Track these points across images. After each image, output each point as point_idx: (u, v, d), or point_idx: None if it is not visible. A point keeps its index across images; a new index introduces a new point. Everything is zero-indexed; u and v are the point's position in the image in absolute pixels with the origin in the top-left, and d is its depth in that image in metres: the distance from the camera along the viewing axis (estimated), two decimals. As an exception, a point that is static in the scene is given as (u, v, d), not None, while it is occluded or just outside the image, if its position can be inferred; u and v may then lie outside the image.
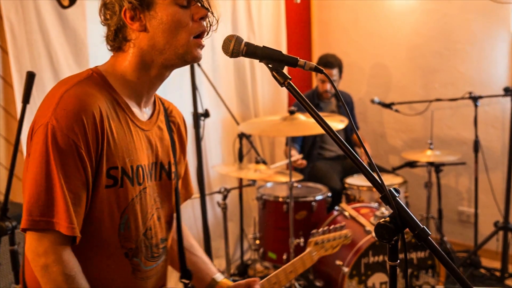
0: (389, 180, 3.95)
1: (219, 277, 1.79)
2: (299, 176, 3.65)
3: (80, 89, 1.37)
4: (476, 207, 4.19)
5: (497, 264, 4.07)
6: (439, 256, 1.21)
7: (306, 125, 3.28)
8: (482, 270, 4.06)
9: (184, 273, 1.73)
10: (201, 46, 1.46)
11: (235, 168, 3.71)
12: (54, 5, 3.26)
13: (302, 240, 3.51)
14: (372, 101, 4.37)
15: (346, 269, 3.15)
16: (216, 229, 4.16)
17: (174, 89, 3.77)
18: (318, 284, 3.51)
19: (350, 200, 3.92)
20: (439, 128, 4.52)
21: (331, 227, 2.12)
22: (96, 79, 1.44)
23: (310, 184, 3.96)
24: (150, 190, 1.54)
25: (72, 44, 3.38)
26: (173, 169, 1.64)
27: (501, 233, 3.93)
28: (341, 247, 3.31)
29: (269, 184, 3.99)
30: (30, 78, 1.95)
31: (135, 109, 1.51)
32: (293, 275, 1.92)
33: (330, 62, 4.26)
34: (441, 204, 4.29)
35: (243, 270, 4.08)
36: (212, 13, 1.47)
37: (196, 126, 3.06)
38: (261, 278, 1.80)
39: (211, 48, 4.05)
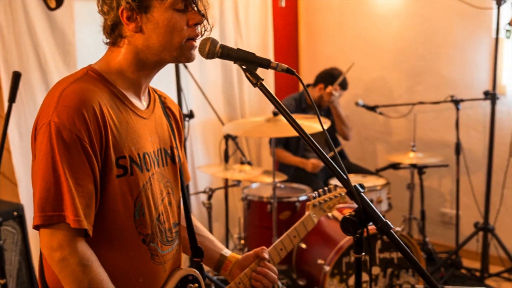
0: (372, 182, 4.02)
1: (227, 252, 1.84)
2: (283, 177, 3.72)
3: (78, 85, 1.42)
4: (457, 209, 4.27)
5: (477, 265, 4.15)
6: (400, 249, 1.28)
7: (289, 126, 3.34)
8: (463, 271, 4.14)
9: (195, 252, 1.77)
10: (194, 48, 1.51)
11: (221, 169, 3.77)
12: (42, 7, 3.31)
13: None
14: (357, 104, 4.45)
15: (327, 268, 3.21)
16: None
17: (160, 89, 3.83)
18: (301, 283, 3.57)
19: (333, 200, 3.98)
20: (422, 130, 4.59)
21: (326, 188, 2.19)
22: (92, 75, 1.48)
23: (294, 185, 4.02)
24: (158, 176, 1.58)
25: (60, 45, 3.44)
26: (175, 153, 1.68)
27: (481, 234, 4.00)
28: (323, 247, 3.40)
29: (254, 185, 4.05)
30: (16, 77, 2.01)
31: (133, 100, 1.55)
32: (298, 240, 2.00)
33: (345, 84, 4.41)
34: (424, 206, 4.37)
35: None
36: (207, 20, 1.52)
37: (181, 126, 3.12)
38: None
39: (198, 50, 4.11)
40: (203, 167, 4.02)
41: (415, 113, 4.41)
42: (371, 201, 3.83)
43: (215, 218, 4.22)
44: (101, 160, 1.41)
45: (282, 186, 3.92)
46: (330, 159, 1.35)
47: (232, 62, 1.48)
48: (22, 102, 3.26)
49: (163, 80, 3.82)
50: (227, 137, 3.91)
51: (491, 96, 3.80)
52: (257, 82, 1.42)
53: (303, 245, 3.53)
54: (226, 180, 3.99)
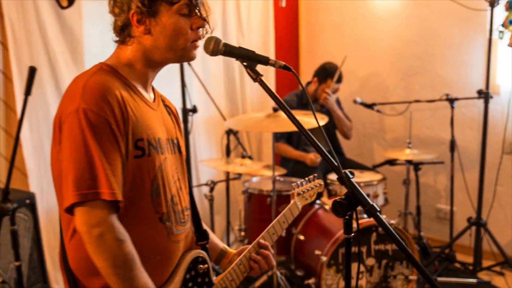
0: (369, 177, 4.14)
1: (228, 248, 1.99)
2: (283, 171, 3.84)
3: (98, 77, 1.55)
4: (452, 205, 4.40)
5: (470, 259, 4.28)
6: (386, 231, 1.41)
7: (288, 122, 3.47)
8: (457, 264, 4.27)
9: (200, 236, 1.87)
10: (196, 48, 1.65)
11: (222, 163, 3.91)
12: (52, 5, 3.44)
13: (284, 231, 3.70)
14: (355, 101, 4.58)
15: (324, 258, 3.34)
16: (203, 221, 4.34)
17: (164, 85, 3.94)
18: (299, 273, 3.70)
19: (331, 194, 4.12)
20: (418, 128, 4.72)
21: (306, 179, 2.34)
22: (106, 69, 1.61)
23: (293, 179, 4.15)
24: (170, 161, 1.70)
25: (68, 42, 3.56)
26: (180, 143, 1.81)
27: (474, 228, 4.12)
28: (320, 239, 3.52)
29: (254, 179, 4.18)
30: (32, 72, 2.13)
31: (143, 92, 1.68)
32: (286, 225, 2.14)
33: (341, 77, 4.49)
34: (420, 201, 4.50)
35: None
36: (209, 24, 1.66)
37: (185, 120, 3.26)
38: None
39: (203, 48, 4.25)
40: (206, 160, 4.15)
41: (411, 111, 4.54)
42: (368, 195, 3.99)
43: (216, 211, 4.35)
44: (124, 142, 1.53)
45: (281, 180, 4.04)
46: (325, 150, 1.47)
47: (234, 60, 1.61)
48: (33, 96, 3.34)
49: (168, 77, 3.95)
50: (228, 132, 4.05)
51: (484, 95, 3.91)
52: (257, 77, 1.55)
53: (301, 237, 3.67)
54: (228, 174, 4.12)
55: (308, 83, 4.64)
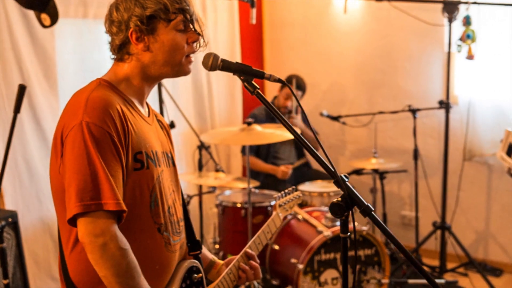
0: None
1: (216, 259, 2.05)
2: (256, 183, 3.94)
3: (100, 92, 1.60)
4: (416, 211, 4.58)
5: (436, 263, 4.45)
6: (381, 228, 1.51)
7: (262, 134, 3.60)
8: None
9: (193, 246, 1.92)
10: (191, 63, 1.74)
11: (195, 177, 3.98)
12: (25, 24, 3.46)
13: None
14: (321, 114, 4.72)
15: (300, 266, 3.44)
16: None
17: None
18: (274, 282, 3.79)
19: (302, 205, 4.22)
20: (382, 138, 4.90)
21: (286, 190, 2.47)
22: (105, 85, 1.66)
23: (265, 191, 4.25)
24: (165, 174, 1.76)
25: (41, 61, 3.59)
26: (173, 157, 1.87)
27: (439, 232, 4.30)
28: (295, 248, 3.62)
29: (227, 192, 4.26)
30: (21, 90, 2.16)
31: (139, 107, 1.74)
32: (270, 235, 2.24)
33: (300, 85, 4.61)
34: (385, 209, 4.66)
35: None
36: (203, 38, 1.76)
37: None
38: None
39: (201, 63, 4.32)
40: (180, 175, 4.20)
41: (376, 122, 4.71)
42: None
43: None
44: (125, 154, 1.58)
45: (256, 191, 4.13)
46: (319, 156, 1.57)
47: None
48: (6, 116, 3.39)
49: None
50: (200, 147, 4.12)
51: (445, 105, 4.11)
52: (254, 90, 1.64)
53: (276, 247, 3.76)
54: (200, 187, 4.19)
55: (275, 97, 4.76)
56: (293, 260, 3.52)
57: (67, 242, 1.63)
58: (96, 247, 1.48)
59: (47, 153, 3.55)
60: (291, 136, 3.64)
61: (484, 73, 4.31)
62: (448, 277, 4.29)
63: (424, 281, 4.08)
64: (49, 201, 3.63)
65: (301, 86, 4.66)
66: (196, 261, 1.89)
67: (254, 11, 3.57)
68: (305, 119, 4.66)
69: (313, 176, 4.64)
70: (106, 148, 1.52)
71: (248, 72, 1.66)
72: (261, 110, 4.64)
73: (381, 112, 4.61)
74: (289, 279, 3.57)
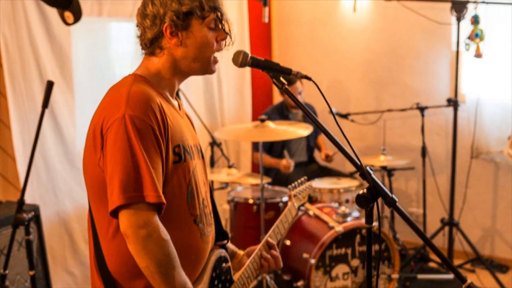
0: (347, 183, 4.34)
1: (237, 249, 2.10)
2: (268, 179, 4.00)
3: (139, 86, 1.64)
4: (424, 208, 4.64)
5: (443, 258, 4.51)
6: (405, 218, 1.58)
7: (275, 131, 3.66)
8: (431, 264, 4.50)
9: (221, 236, 1.96)
10: (217, 63, 1.80)
11: (207, 172, 4.04)
12: (42, 22, 3.52)
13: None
14: (330, 112, 4.77)
15: (313, 261, 3.50)
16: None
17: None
18: (286, 277, 3.85)
19: (312, 201, 4.28)
20: (389, 136, 4.96)
21: (299, 181, 2.53)
22: (140, 80, 1.70)
23: (277, 187, 4.31)
24: (199, 166, 1.81)
25: (58, 58, 3.65)
26: (202, 150, 1.92)
27: (447, 229, 4.36)
28: (307, 243, 3.67)
29: (239, 188, 4.32)
30: (50, 86, 2.22)
31: (172, 100, 1.79)
32: (287, 224, 2.30)
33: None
34: (393, 205, 4.71)
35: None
36: (231, 37, 1.82)
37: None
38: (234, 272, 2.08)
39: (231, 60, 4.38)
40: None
41: (384, 120, 4.77)
42: (347, 201, 4.20)
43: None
44: (165, 148, 1.62)
45: (269, 187, 4.19)
46: (346, 150, 1.63)
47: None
48: (25, 111, 3.45)
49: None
50: (212, 144, 4.19)
51: (453, 103, 4.16)
52: (282, 86, 1.70)
53: (288, 242, 3.81)
54: (212, 183, 4.25)
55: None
56: (305, 255, 3.57)
57: (106, 234, 1.66)
58: (139, 238, 1.51)
59: (64, 148, 3.63)
60: (303, 133, 3.72)
61: (491, 72, 4.37)
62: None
63: (433, 276, 4.17)
64: (65, 196, 3.70)
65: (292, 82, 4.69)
66: (224, 251, 1.94)
67: (266, 10, 3.64)
68: (308, 120, 4.72)
69: (324, 172, 4.71)
70: (148, 141, 1.55)
71: (276, 69, 1.72)
72: (273, 110, 4.73)
73: (389, 110, 4.67)
74: (301, 274, 3.62)
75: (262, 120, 3.67)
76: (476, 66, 4.41)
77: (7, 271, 2.46)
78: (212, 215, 1.89)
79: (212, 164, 4.17)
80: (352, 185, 4.29)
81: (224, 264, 1.91)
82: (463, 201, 4.57)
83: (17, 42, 3.37)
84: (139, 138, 1.54)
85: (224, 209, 4.54)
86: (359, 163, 1.61)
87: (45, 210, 3.50)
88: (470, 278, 4.20)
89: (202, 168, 1.88)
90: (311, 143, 4.90)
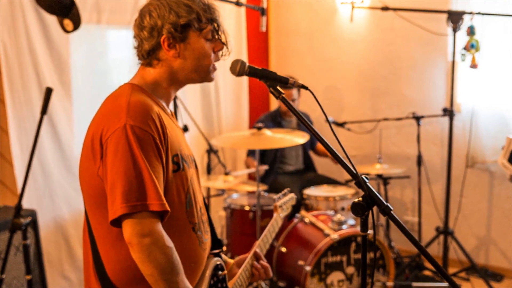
0: (343, 191, 4.37)
1: (227, 258, 2.12)
2: (264, 187, 4.03)
3: (138, 96, 1.66)
4: (419, 216, 4.67)
5: (438, 267, 4.53)
6: (399, 226, 1.60)
7: (272, 139, 3.69)
8: (426, 272, 4.52)
9: (215, 244, 1.97)
10: (215, 71, 1.83)
11: (203, 179, 4.07)
12: (41, 29, 3.54)
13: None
14: (326, 121, 4.81)
15: (308, 268, 3.52)
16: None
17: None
18: (281, 284, 3.86)
19: (308, 209, 4.31)
20: (385, 145, 5.00)
21: (281, 194, 2.69)
22: (138, 89, 1.72)
23: (273, 195, 4.33)
24: (194, 175, 1.83)
25: (56, 65, 3.67)
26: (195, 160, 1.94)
27: (442, 237, 4.39)
28: (302, 250, 3.69)
29: (235, 195, 4.34)
30: (49, 92, 2.24)
31: (167, 109, 1.81)
32: (274, 234, 2.41)
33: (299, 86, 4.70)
34: (389, 214, 4.74)
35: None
36: (227, 48, 1.85)
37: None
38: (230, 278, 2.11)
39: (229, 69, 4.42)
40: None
41: (380, 129, 4.81)
42: (343, 209, 4.22)
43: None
44: (165, 157, 1.63)
45: (265, 195, 4.21)
46: (342, 158, 1.66)
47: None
48: (23, 117, 3.47)
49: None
50: (209, 151, 4.21)
51: (449, 112, 4.20)
52: (279, 95, 1.73)
53: (283, 249, 3.84)
54: (208, 190, 4.28)
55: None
56: (300, 262, 3.59)
57: (105, 241, 1.67)
58: (144, 247, 1.53)
59: (61, 154, 3.65)
60: (299, 141, 3.75)
61: (486, 82, 4.42)
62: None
63: (427, 284, 4.19)
64: (62, 201, 3.71)
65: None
66: (220, 259, 1.97)
67: (264, 19, 3.65)
68: (303, 128, 4.76)
69: (320, 180, 4.74)
70: (149, 150, 1.57)
71: (273, 78, 1.75)
72: (267, 117, 4.75)
73: (385, 119, 4.70)
74: (296, 280, 3.64)
75: (259, 128, 3.70)
76: (472, 76, 4.46)
77: (4, 275, 2.48)
78: (208, 223, 1.91)
79: (209, 171, 4.19)
80: (348, 193, 4.32)
81: (220, 272, 1.93)
82: (458, 210, 4.60)
83: (16, 49, 3.39)
84: (140, 147, 1.55)
85: (221, 216, 4.56)
86: (354, 171, 1.63)
87: (42, 215, 3.51)
88: (465, 287, 4.26)
89: (196, 178, 1.90)
90: (307, 151, 4.93)
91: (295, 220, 3.95)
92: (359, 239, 3.66)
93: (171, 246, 1.58)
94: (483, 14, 3.98)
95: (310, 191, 4.39)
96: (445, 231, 4.28)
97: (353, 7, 4.50)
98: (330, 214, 3.99)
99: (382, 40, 5.03)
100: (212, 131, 4.97)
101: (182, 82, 1.82)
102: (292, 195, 2.74)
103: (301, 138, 3.75)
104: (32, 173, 3.50)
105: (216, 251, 1.99)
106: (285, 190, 2.72)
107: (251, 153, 4.69)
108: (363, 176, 1.63)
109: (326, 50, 5.35)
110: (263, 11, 3.62)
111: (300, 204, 4.38)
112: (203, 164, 4.31)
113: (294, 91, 4.71)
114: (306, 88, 1.76)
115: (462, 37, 4.08)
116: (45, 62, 3.59)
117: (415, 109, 4.73)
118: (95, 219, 1.69)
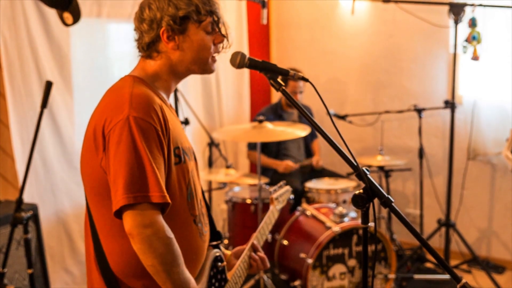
0: (344, 184, 4.37)
1: (225, 250, 2.11)
2: (265, 180, 4.03)
3: (140, 88, 1.66)
4: (421, 208, 4.67)
5: (440, 259, 4.53)
6: (400, 218, 1.59)
7: (273, 132, 3.68)
8: (427, 264, 4.53)
9: (214, 236, 1.98)
10: (215, 62, 1.82)
11: (205, 173, 4.07)
12: (42, 22, 3.53)
13: (269, 236, 3.87)
14: (328, 113, 4.80)
15: (310, 261, 3.52)
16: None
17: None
18: (283, 277, 3.87)
19: (310, 201, 4.31)
20: (387, 137, 4.99)
21: (277, 186, 2.70)
22: (139, 81, 1.72)
23: (274, 187, 4.32)
24: (195, 168, 1.84)
25: (57, 59, 3.66)
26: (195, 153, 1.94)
27: (443, 229, 4.38)
28: (304, 243, 3.70)
29: (236, 188, 4.34)
30: (49, 86, 2.24)
31: (168, 102, 1.81)
32: (271, 226, 2.42)
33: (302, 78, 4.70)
34: (390, 206, 4.74)
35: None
36: (228, 40, 1.84)
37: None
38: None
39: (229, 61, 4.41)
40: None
41: (382, 121, 4.80)
42: (344, 201, 4.22)
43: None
44: (167, 149, 1.64)
45: (266, 188, 4.22)
46: (342, 150, 1.66)
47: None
48: (24, 111, 3.47)
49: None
50: (210, 144, 4.21)
51: (451, 105, 4.19)
52: (279, 87, 1.72)
53: (285, 242, 3.84)
54: (210, 183, 4.28)
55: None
56: (302, 255, 3.60)
57: (107, 234, 1.67)
58: (144, 238, 1.53)
59: (62, 148, 3.65)
60: (301, 134, 3.74)
61: (488, 74, 4.41)
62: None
63: (429, 276, 4.20)
64: (63, 195, 3.72)
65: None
66: (219, 251, 1.97)
67: (265, 12, 3.65)
68: (304, 120, 4.75)
69: (321, 173, 4.74)
70: (152, 142, 1.57)
71: (274, 70, 1.74)
72: (268, 110, 4.74)
73: (387, 112, 4.69)
74: (297, 273, 3.65)
75: (260, 121, 3.69)
76: (473, 68, 4.45)
77: (5, 269, 2.48)
78: (207, 216, 1.92)
79: (210, 164, 4.19)
80: (350, 186, 4.31)
81: (219, 264, 1.94)
82: (460, 202, 4.60)
83: (16, 42, 3.39)
84: (144, 139, 1.56)
85: (222, 209, 4.56)
86: (355, 163, 1.63)
87: (44, 209, 3.52)
88: (467, 278, 4.22)
89: (197, 170, 1.90)
90: (308, 144, 4.92)
91: (297, 213, 3.95)
92: (360, 231, 3.66)
93: (172, 237, 1.58)
94: (484, 6, 3.96)
95: (312, 184, 4.38)
96: (446, 224, 4.28)
97: (354, -1, 4.49)
98: (332, 207, 3.99)
99: (383, 33, 5.01)
100: (213, 124, 4.96)
101: (182, 74, 1.82)
102: (288, 187, 2.75)
103: (302, 131, 3.75)
104: (33, 167, 3.50)
105: (215, 243, 1.99)
106: (281, 183, 2.74)
107: (252, 146, 4.69)
108: (363, 168, 1.62)
109: (327, 42, 5.33)
110: (264, 4, 3.61)
111: (302, 197, 4.37)
112: (205, 157, 4.30)
113: (301, 83, 4.70)
114: (306, 80, 1.75)
115: (463, 29, 4.06)
116: (45, 55, 3.58)
117: (416, 101, 4.72)
118: (97, 211, 1.69)
